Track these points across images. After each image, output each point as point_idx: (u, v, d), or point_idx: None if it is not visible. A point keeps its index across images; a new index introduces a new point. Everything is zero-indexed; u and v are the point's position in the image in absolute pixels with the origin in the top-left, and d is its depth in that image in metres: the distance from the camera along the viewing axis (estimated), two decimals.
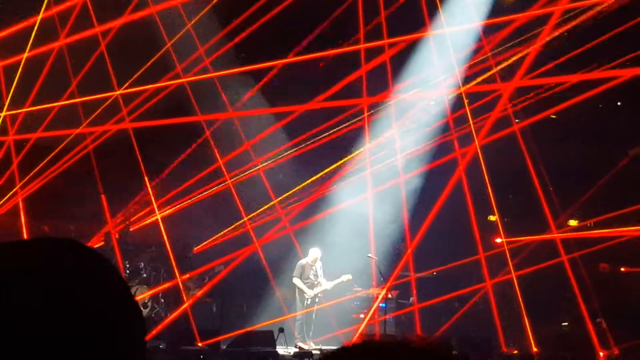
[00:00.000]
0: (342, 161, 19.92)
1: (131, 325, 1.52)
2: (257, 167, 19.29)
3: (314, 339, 17.45)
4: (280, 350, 16.39)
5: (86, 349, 1.44)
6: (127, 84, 18.24)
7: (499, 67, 18.37)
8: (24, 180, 18.28)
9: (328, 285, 17.45)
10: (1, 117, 18.01)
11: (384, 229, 19.61)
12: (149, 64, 18.29)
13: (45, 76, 17.82)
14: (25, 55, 17.41)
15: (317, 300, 17.52)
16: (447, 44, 19.13)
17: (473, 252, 19.16)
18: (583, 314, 18.25)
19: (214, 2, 18.23)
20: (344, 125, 19.65)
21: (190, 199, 19.36)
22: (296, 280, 17.40)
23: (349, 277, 17.57)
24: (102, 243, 18.03)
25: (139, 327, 1.54)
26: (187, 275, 18.08)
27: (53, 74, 17.92)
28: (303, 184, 19.85)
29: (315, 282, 17.44)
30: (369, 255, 18.36)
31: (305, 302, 17.38)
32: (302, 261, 17.61)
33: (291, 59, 18.81)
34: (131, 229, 18.40)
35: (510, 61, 18.52)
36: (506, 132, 18.46)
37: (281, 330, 16.45)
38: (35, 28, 17.43)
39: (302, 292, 17.37)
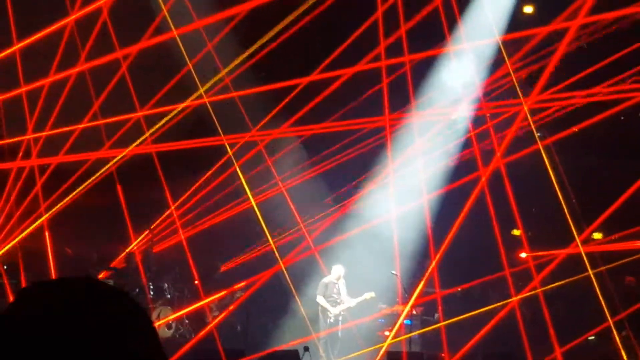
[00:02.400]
0: (365, 179, 19.91)
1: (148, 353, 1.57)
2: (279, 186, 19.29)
3: (339, 357, 17.40)
4: None
5: None
6: (148, 106, 18.35)
7: (518, 81, 18.33)
8: (47, 203, 18.38)
9: (351, 302, 17.40)
10: (25, 141, 18.16)
11: (408, 246, 19.56)
12: (169, 85, 18.39)
13: (67, 99, 17.94)
14: (49, 80, 17.55)
15: (340, 318, 17.46)
16: (467, 58, 19.13)
17: (498, 268, 19.08)
18: (610, 327, 18.09)
19: (233, 23, 18.32)
20: (365, 143, 19.67)
21: (213, 218, 19.41)
22: (320, 299, 17.35)
23: (372, 294, 17.53)
24: (123, 265, 18.09)
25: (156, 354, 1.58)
26: (211, 297, 18.12)
27: (74, 96, 18.04)
28: (325, 202, 19.85)
29: (339, 300, 17.39)
30: (393, 272, 18.31)
31: (329, 320, 17.32)
32: (325, 279, 17.57)
33: (311, 78, 18.81)
34: (154, 250, 18.47)
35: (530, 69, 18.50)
36: (529, 150, 18.35)
37: (306, 349, 16.40)
38: (60, 52, 17.60)
39: (325, 310, 17.32)
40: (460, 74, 19.38)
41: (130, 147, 18.32)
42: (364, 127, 19.66)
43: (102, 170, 18.41)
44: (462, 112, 19.66)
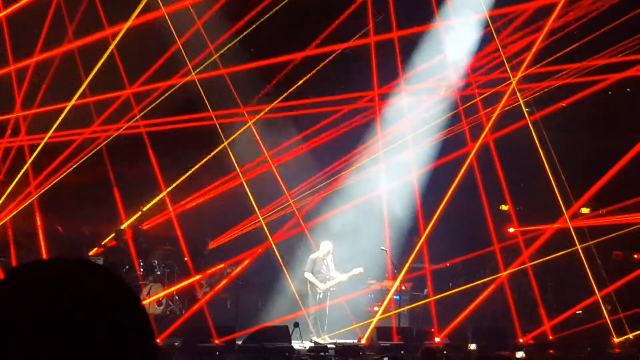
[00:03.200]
0: (354, 153, 19.93)
1: (139, 337, 1.55)
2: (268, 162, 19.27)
3: (329, 332, 17.48)
4: (296, 345, 16.46)
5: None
6: (138, 83, 18.29)
7: (507, 55, 18.35)
8: (38, 180, 18.35)
9: (341, 277, 17.43)
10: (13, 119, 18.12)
11: (398, 222, 19.62)
12: (160, 62, 18.32)
13: (56, 76, 17.88)
14: (36, 58, 17.49)
15: (329, 294, 17.50)
16: (456, 34, 19.16)
17: (487, 243, 19.18)
18: (597, 301, 18.24)
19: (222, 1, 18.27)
20: (355, 119, 19.69)
21: (203, 195, 19.41)
22: (308, 275, 17.37)
23: (360, 270, 17.54)
24: (114, 242, 18.09)
25: (148, 339, 1.57)
26: (201, 274, 18.16)
27: (64, 73, 17.97)
28: (315, 178, 19.87)
29: (327, 276, 17.42)
30: (383, 248, 18.37)
31: (318, 296, 17.37)
32: (314, 255, 17.56)
33: (301, 54, 18.79)
34: (144, 227, 18.48)
35: (519, 46, 18.51)
36: (519, 125, 18.40)
37: (296, 325, 16.47)
38: (45, 28, 17.55)
39: (314, 286, 17.35)
40: (451, 49, 19.38)
41: (122, 126, 18.31)
42: (355, 106, 19.68)
43: (92, 147, 18.39)
44: (452, 87, 19.68)
